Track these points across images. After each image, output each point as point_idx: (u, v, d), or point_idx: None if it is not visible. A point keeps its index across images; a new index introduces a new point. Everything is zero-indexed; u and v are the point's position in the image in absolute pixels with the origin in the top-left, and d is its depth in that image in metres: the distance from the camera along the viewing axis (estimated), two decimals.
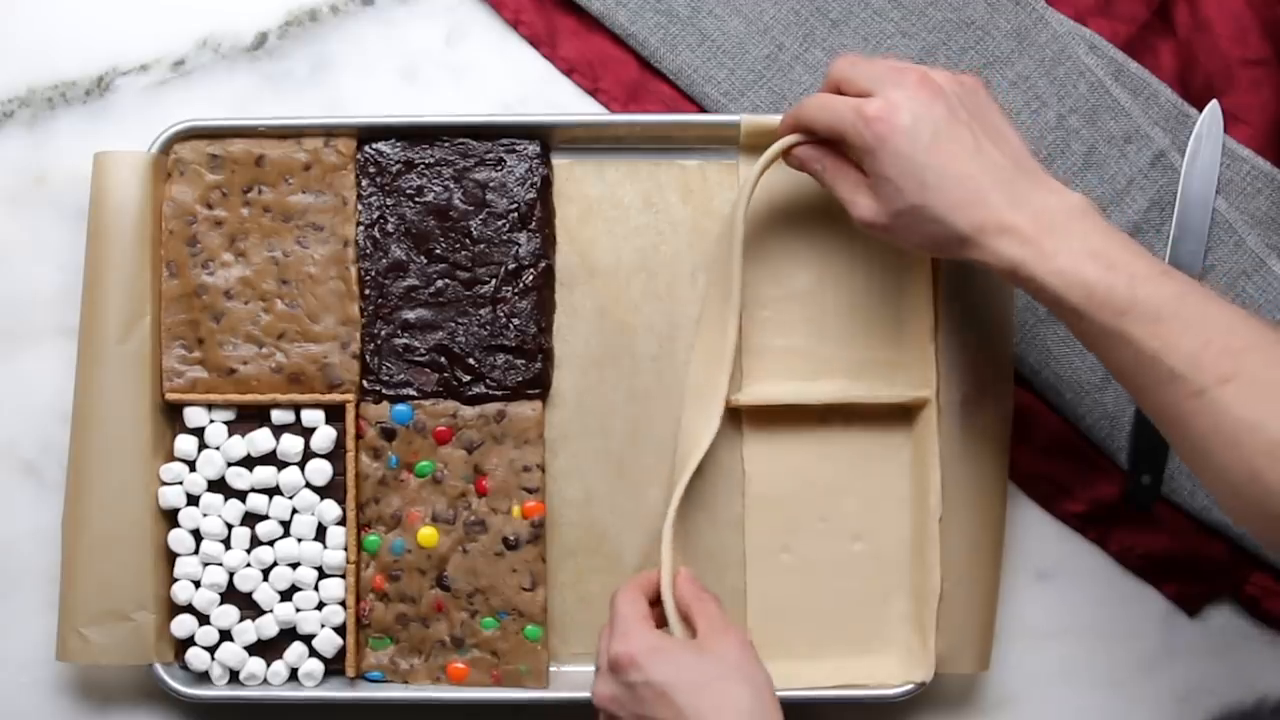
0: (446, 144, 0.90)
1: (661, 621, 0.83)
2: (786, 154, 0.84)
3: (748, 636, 0.81)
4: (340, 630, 0.89)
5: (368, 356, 0.90)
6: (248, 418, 0.89)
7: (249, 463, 0.89)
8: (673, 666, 0.77)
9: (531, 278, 0.90)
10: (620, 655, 0.78)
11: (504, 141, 0.90)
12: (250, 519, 0.89)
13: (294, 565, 0.89)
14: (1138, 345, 0.72)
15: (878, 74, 0.78)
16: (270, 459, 0.89)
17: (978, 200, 0.75)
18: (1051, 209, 0.75)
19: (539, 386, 0.90)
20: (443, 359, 0.90)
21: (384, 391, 0.89)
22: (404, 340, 0.90)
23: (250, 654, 0.89)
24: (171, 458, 0.89)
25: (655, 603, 0.83)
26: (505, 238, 0.90)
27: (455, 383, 0.90)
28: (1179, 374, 0.71)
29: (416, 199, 0.90)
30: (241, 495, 0.89)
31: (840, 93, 0.80)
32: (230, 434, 0.89)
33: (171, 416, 0.90)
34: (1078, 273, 0.73)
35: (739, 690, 0.76)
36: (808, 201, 0.91)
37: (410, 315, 0.90)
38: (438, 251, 0.90)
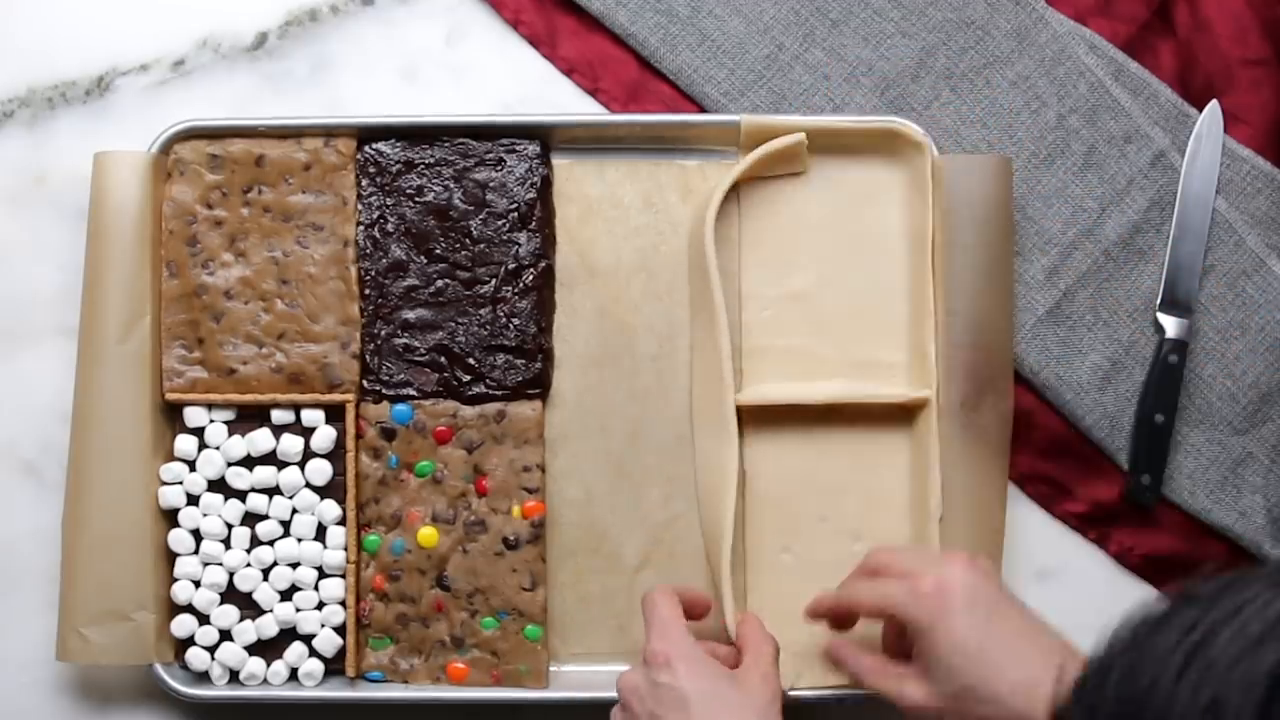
0: (446, 144, 0.90)
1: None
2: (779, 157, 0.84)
3: (782, 692, 0.81)
4: (340, 630, 0.89)
5: (368, 356, 0.90)
6: (248, 418, 0.89)
7: (249, 463, 0.89)
8: (703, 681, 0.77)
9: (531, 278, 0.90)
10: (658, 652, 0.78)
11: (504, 141, 0.90)
12: (250, 519, 0.89)
13: (294, 565, 0.89)
14: None
15: (921, 557, 0.80)
16: (270, 459, 0.89)
17: (1031, 680, 0.74)
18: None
19: (539, 386, 0.90)
20: (443, 359, 0.90)
21: (384, 391, 0.89)
22: (404, 340, 0.90)
23: (250, 654, 0.89)
24: (171, 458, 0.89)
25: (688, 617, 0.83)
26: (505, 238, 0.90)
27: (455, 383, 0.90)
28: None
29: (416, 199, 0.90)
30: (241, 495, 0.89)
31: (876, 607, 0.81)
32: (230, 434, 0.89)
33: (171, 416, 0.90)
34: None
35: None
36: (808, 202, 0.91)
37: (410, 315, 0.90)
38: (438, 251, 0.90)
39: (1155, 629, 0.47)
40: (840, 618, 0.85)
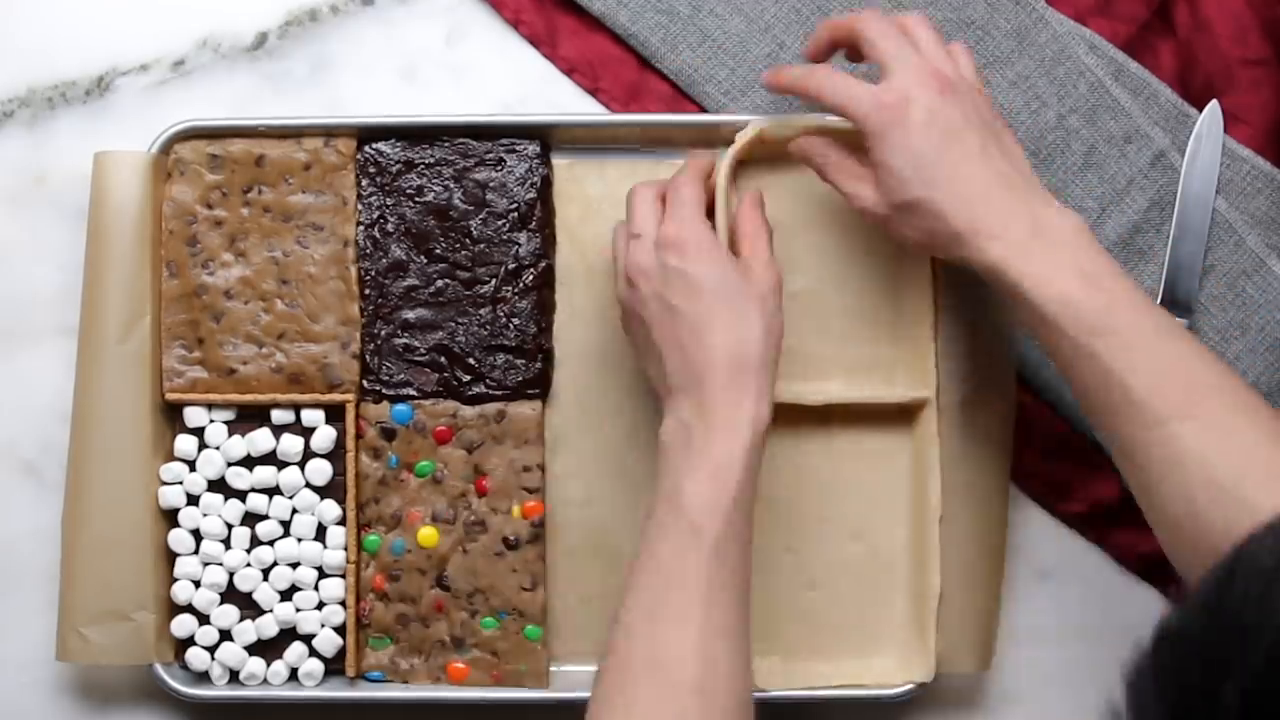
0: (446, 144, 0.90)
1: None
2: (780, 142, 0.85)
3: (782, 280, 0.81)
4: (340, 630, 0.89)
5: (368, 356, 0.90)
6: (248, 418, 0.89)
7: (249, 463, 0.89)
8: (712, 269, 0.78)
9: (531, 278, 0.90)
10: (672, 236, 0.78)
11: (504, 141, 0.90)
12: (250, 519, 0.89)
13: (294, 565, 0.89)
14: (1106, 367, 0.73)
15: (894, 50, 0.79)
16: (270, 459, 0.89)
17: (977, 201, 0.76)
18: (1047, 221, 0.76)
19: (539, 386, 0.90)
20: (443, 359, 0.90)
21: (384, 391, 0.89)
22: (404, 340, 0.90)
23: (250, 654, 0.89)
24: (171, 458, 0.89)
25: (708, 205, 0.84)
26: (505, 238, 0.90)
27: (455, 383, 0.90)
28: (1142, 402, 0.72)
29: (416, 199, 0.90)
30: (241, 495, 0.89)
31: (851, 46, 0.82)
32: (230, 434, 0.89)
33: (171, 416, 0.90)
34: (1060, 284, 0.74)
35: (755, 321, 0.77)
36: (808, 201, 0.91)
37: (410, 315, 0.90)
38: (438, 251, 0.90)
39: None
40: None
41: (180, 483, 0.89)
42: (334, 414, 0.89)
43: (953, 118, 0.78)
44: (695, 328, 0.77)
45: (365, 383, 0.89)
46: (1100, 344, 0.73)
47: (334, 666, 0.89)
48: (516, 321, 0.90)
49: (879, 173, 0.79)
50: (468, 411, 0.90)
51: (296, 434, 0.89)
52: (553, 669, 0.90)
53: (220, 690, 0.89)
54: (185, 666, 0.89)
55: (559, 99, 0.94)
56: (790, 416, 0.89)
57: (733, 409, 0.76)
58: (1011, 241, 0.75)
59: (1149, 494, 0.73)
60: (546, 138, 0.91)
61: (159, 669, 0.88)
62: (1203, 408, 0.71)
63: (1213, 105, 0.92)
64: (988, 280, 0.77)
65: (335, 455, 0.89)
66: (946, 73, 0.79)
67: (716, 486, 0.75)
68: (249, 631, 0.89)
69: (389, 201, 0.90)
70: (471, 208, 0.90)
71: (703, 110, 0.93)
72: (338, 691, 0.89)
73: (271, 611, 0.89)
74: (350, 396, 0.89)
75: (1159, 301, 0.92)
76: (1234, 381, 0.74)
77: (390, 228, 0.90)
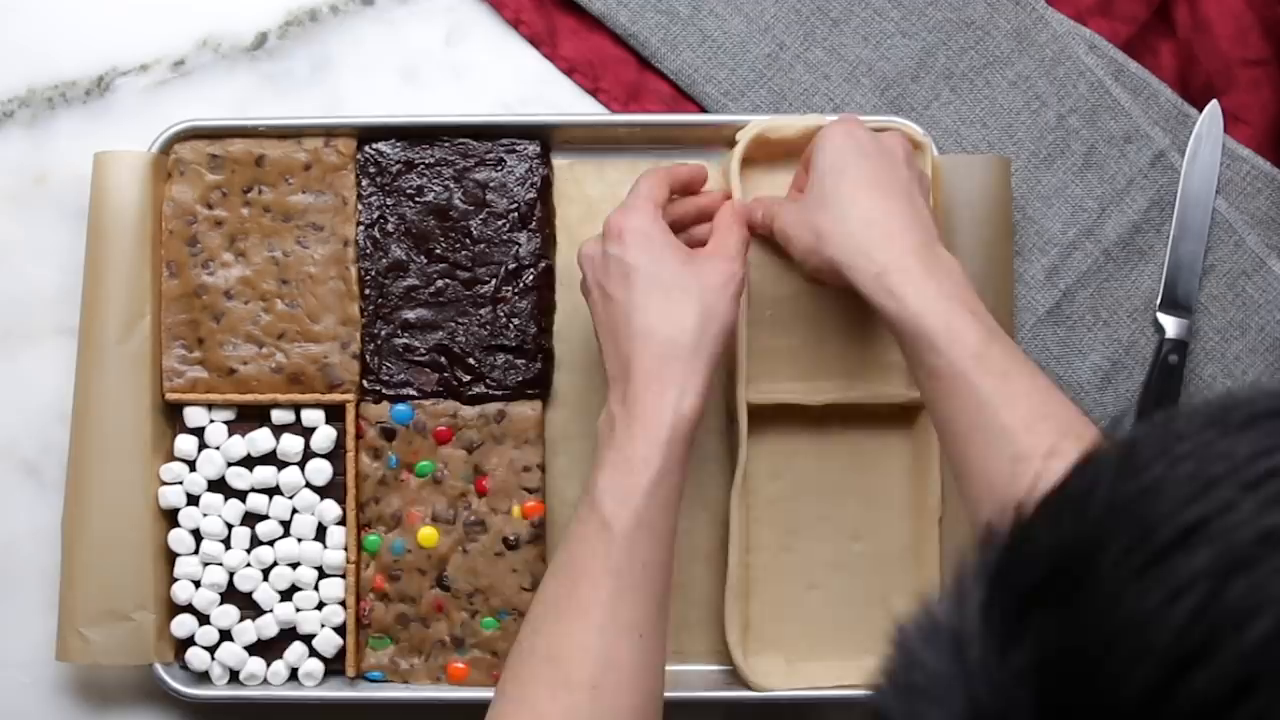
0: (446, 144, 0.90)
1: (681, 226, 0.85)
2: (780, 142, 0.87)
3: (744, 278, 0.81)
4: (340, 630, 0.89)
5: (368, 356, 0.90)
6: (248, 418, 0.89)
7: (249, 463, 0.89)
8: (649, 257, 0.78)
9: (531, 278, 0.90)
10: (614, 225, 0.79)
11: (504, 141, 0.90)
12: (250, 519, 0.89)
13: (294, 565, 0.89)
14: (980, 394, 0.72)
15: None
16: (270, 459, 0.89)
17: (877, 209, 0.78)
18: (937, 250, 0.77)
19: (539, 386, 0.90)
20: (443, 359, 0.90)
21: (384, 391, 0.89)
22: (404, 340, 0.90)
23: (250, 654, 0.89)
24: (171, 458, 0.89)
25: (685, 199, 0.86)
26: (505, 238, 0.90)
27: (455, 383, 0.90)
28: (1010, 433, 0.71)
29: (416, 199, 0.90)
30: (241, 495, 0.89)
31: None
32: (230, 434, 0.89)
33: (171, 416, 0.90)
34: (944, 304, 0.74)
35: (689, 311, 0.77)
36: None
37: (410, 315, 0.90)
38: (438, 251, 0.90)
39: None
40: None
41: (180, 483, 0.89)
42: (334, 414, 0.89)
43: (870, 145, 0.80)
44: (627, 315, 0.77)
45: (365, 383, 0.89)
46: (977, 370, 0.72)
47: (334, 666, 0.89)
48: (516, 321, 0.90)
49: (809, 176, 0.81)
50: (468, 411, 0.90)
51: (296, 434, 0.89)
52: None
53: (220, 690, 0.89)
54: (185, 666, 0.89)
55: (559, 99, 0.94)
56: (790, 416, 0.89)
57: (655, 399, 0.75)
58: (903, 251, 0.75)
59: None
60: (546, 138, 0.91)
61: (159, 669, 0.88)
62: (1070, 449, 0.71)
63: (1213, 105, 0.92)
64: (871, 297, 0.76)
65: (335, 455, 0.89)
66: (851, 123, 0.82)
67: (629, 480, 0.73)
68: (249, 631, 0.89)
69: (389, 201, 0.90)
70: (471, 208, 0.90)
71: (703, 110, 0.93)
72: (338, 691, 0.89)
73: (271, 611, 0.89)
74: (350, 396, 0.89)
75: (1159, 301, 0.92)
76: (1094, 431, 0.74)
77: (390, 228, 0.90)
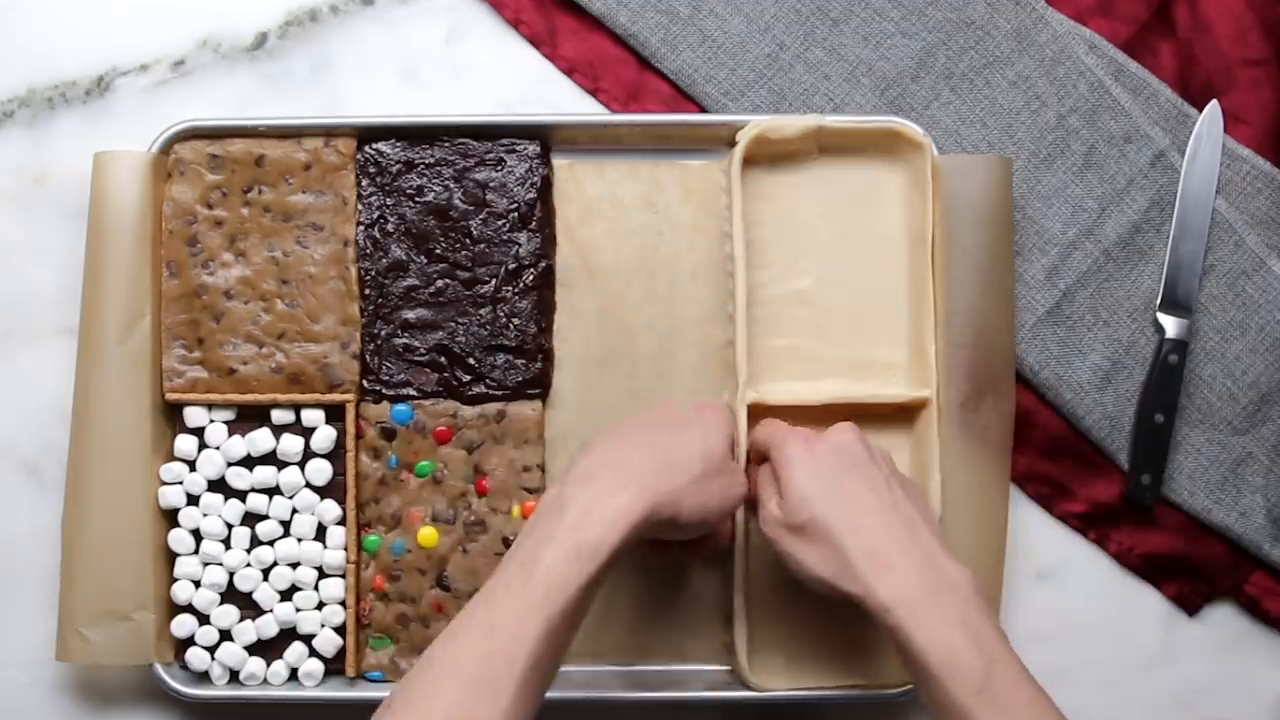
0: (446, 144, 0.90)
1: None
2: (780, 142, 0.87)
3: (739, 497, 0.81)
4: (340, 630, 0.89)
5: (368, 356, 0.90)
6: (248, 418, 0.89)
7: (249, 463, 0.89)
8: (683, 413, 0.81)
9: (531, 278, 0.90)
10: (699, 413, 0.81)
11: (504, 141, 0.90)
12: (250, 519, 0.89)
13: (294, 565, 0.89)
14: None
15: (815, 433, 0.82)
16: (270, 459, 0.89)
17: (877, 530, 0.76)
18: (942, 568, 0.76)
19: (539, 386, 0.90)
20: (443, 359, 0.90)
21: (384, 391, 0.89)
22: (404, 340, 0.90)
23: (250, 654, 0.89)
24: (171, 458, 0.89)
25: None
26: (505, 238, 0.90)
27: (455, 383, 0.90)
28: None
29: (416, 199, 0.90)
30: (241, 495, 0.89)
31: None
32: (230, 434, 0.89)
33: (171, 416, 0.90)
34: (946, 635, 0.73)
35: (684, 444, 0.78)
36: (808, 201, 0.91)
37: (410, 315, 0.90)
38: (438, 251, 0.90)
39: None
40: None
41: (180, 483, 0.89)
42: (334, 414, 0.89)
43: (858, 454, 0.79)
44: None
45: (365, 383, 0.89)
46: (978, 706, 0.72)
47: (334, 666, 0.89)
48: (516, 321, 0.90)
49: (783, 491, 0.79)
50: (468, 411, 0.90)
51: (296, 434, 0.89)
52: None
53: (220, 690, 0.89)
54: (185, 666, 0.89)
55: (559, 99, 0.94)
56: (790, 416, 0.89)
57: (606, 498, 0.74)
58: (904, 583, 0.75)
59: None
60: (546, 138, 0.91)
61: (159, 669, 0.88)
62: None
63: (1213, 105, 0.92)
64: (877, 621, 0.76)
65: (335, 455, 0.89)
66: (859, 436, 0.81)
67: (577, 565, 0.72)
68: (249, 631, 0.89)
69: (389, 201, 0.90)
70: (471, 208, 0.90)
71: (703, 110, 0.93)
72: (338, 691, 0.89)
73: (271, 611, 0.89)
74: (350, 396, 0.89)
75: (1159, 301, 0.92)
76: None
77: (390, 228, 0.90)
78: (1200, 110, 0.93)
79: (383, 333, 0.90)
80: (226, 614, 0.89)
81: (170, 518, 0.89)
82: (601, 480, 0.74)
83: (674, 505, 0.75)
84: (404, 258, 0.90)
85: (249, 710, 0.91)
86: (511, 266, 0.90)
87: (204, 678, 0.89)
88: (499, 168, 0.90)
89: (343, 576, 0.89)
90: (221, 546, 0.89)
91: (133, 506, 0.88)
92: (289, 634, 0.89)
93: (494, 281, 0.90)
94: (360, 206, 0.90)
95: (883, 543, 0.76)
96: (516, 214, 0.90)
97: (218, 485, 0.89)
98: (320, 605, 0.89)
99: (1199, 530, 0.93)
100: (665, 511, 0.75)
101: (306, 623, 0.89)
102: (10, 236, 0.93)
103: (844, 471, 0.79)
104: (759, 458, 0.84)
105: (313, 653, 0.89)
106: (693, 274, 0.91)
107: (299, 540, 0.89)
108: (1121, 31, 0.93)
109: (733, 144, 0.90)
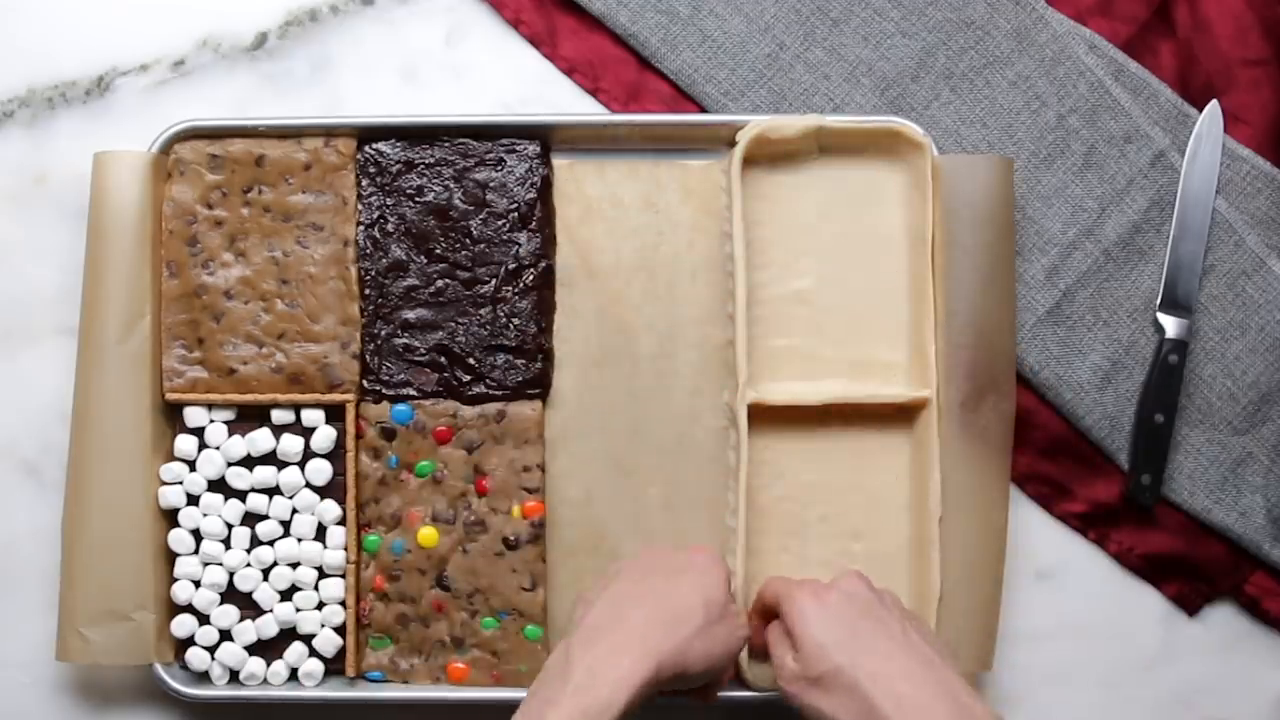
0: (446, 144, 0.90)
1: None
2: (780, 142, 0.86)
3: (736, 649, 0.80)
4: (340, 630, 0.89)
5: (368, 356, 0.90)
6: (248, 418, 0.89)
7: (249, 463, 0.89)
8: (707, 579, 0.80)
9: (531, 278, 0.90)
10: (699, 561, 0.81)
11: (504, 141, 0.90)
12: (250, 519, 0.89)
13: (294, 565, 0.89)
14: None
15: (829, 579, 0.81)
16: (270, 459, 0.89)
17: (898, 677, 0.75)
18: (969, 710, 0.74)
19: (539, 386, 0.90)
20: (443, 359, 0.90)
21: (384, 391, 0.89)
22: (404, 340, 0.90)
23: (250, 654, 0.89)
24: (171, 458, 0.89)
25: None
26: (505, 238, 0.90)
27: (455, 383, 0.90)
28: None
29: (416, 199, 0.90)
30: (241, 495, 0.89)
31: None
32: (230, 434, 0.89)
33: (171, 416, 0.90)
34: None
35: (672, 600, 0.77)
36: (808, 201, 0.91)
37: (410, 315, 0.90)
38: (438, 251, 0.90)
39: None
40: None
41: (180, 483, 0.89)
42: (334, 414, 0.89)
43: (868, 599, 0.79)
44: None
45: (365, 383, 0.89)
46: None
47: (334, 666, 0.89)
48: (516, 321, 0.90)
49: (799, 644, 0.77)
50: (468, 411, 0.90)
51: (296, 434, 0.89)
52: None
53: (220, 690, 0.89)
54: (185, 666, 0.89)
55: (559, 99, 0.94)
56: (790, 416, 0.90)
57: (612, 661, 0.74)
58: None
59: None
60: (546, 138, 0.91)
61: (159, 669, 0.88)
62: None
63: (1213, 105, 0.92)
64: None
65: (335, 455, 0.89)
66: (867, 581, 0.80)
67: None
68: (249, 631, 0.89)
69: (389, 201, 0.90)
70: (471, 208, 0.90)
71: (703, 110, 0.93)
72: (338, 691, 0.89)
73: (271, 611, 0.89)
74: (350, 396, 0.89)
75: (1159, 301, 0.92)
76: None
77: (390, 228, 0.90)
78: (1200, 110, 0.93)
79: (383, 333, 0.90)
80: (226, 614, 0.89)
81: (170, 518, 0.89)
82: (604, 642, 0.74)
83: (680, 661, 0.75)
84: (404, 258, 0.90)
85: (249, 710, 0.91)
86: (511, 266, 0.90)
87: (204, 678, 0.89)
88: (499, 168, 0.90)
89: (343, 576, 0.89)
90: (221, 546, 0.89)
91: (133, 506, 0.88)
92: (289, 634, 0.89)
93: (494, 281, 0.90)
94: (360, 206, 0.90)
95: (908, 688, 0.74)
96: (516, 214, 0.90)
97: (218, 485, 0.89)
98: (320, 605, 0.89)
99: (1199, 530, 0.93)
100: (671, 669, 0.75)
101: (306, 623, 0.89)
102: (10, 236, 0.93)
103: (858, 618, 0.78)
104: (767, 615, 0.83)
105: (313, 653, 0.89)
106: (693, 274, 0.91)
107: (299, 540, 0.89)
108: (1121, 31, 0.93)
109: (733, 144, 0.90)
